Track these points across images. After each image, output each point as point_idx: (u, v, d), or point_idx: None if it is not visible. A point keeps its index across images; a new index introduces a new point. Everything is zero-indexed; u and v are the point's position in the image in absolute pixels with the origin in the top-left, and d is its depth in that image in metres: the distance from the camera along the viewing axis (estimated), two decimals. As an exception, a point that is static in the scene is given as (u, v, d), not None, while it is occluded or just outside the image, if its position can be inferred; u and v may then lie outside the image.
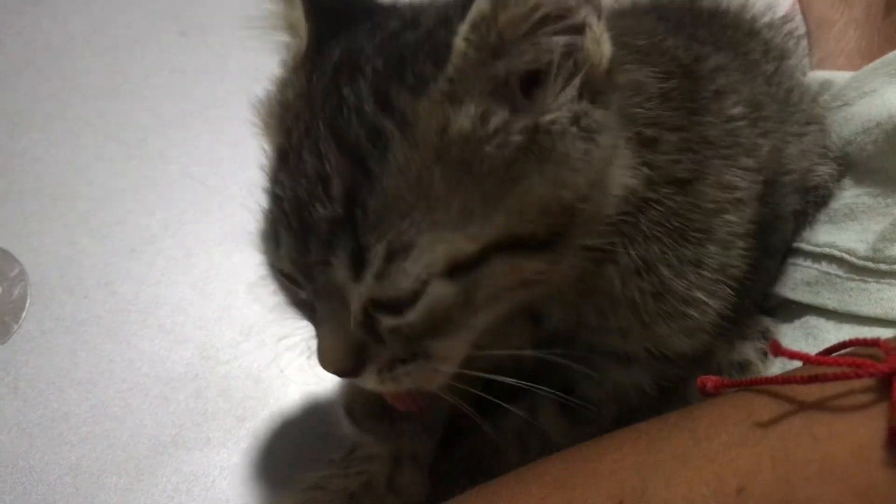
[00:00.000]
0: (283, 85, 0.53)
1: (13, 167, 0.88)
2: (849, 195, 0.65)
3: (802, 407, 0.42)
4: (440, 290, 0.45)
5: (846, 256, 0.60)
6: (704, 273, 0.53)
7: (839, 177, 0.66)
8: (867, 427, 0.39)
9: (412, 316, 0.46)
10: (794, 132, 0.63)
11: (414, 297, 0.45)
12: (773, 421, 0.42)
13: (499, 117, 0.44)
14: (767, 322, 0.65)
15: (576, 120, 0.45)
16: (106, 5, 1.03)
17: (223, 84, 0.96)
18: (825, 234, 0.64)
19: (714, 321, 0.55)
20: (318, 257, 0.45)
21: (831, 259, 0.62)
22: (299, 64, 0.52)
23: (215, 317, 0.78)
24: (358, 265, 0.44)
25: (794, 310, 0.64)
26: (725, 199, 0.53)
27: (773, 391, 0.43)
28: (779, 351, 0.44)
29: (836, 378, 0.41)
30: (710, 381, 0.45)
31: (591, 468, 0.47)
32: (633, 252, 0.51)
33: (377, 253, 0.44)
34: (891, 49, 0.68)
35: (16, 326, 0.77)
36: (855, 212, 0.63)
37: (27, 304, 0.78)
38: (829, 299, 0.61)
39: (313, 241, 0.45)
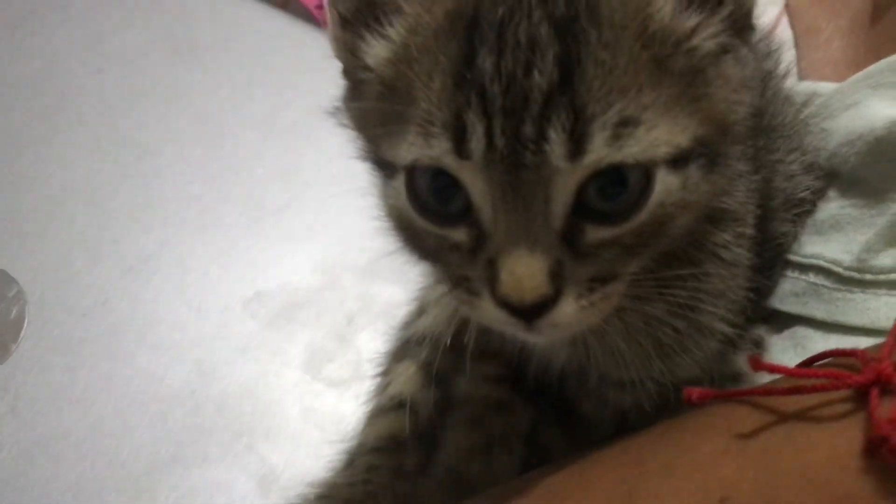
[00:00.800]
0: None
1: (10, 188, 0.89)
2: (834, 206, 0.65)
3: (784, 418, 0.42)
4: (668, 182, 0.42)
5: (832, 267, 0.61)
6: (724, 304, 0.54)
7: (825, 188, 0.67)
8: (845, 437, 0.40)
9: (639, 217, 0.42)
10: (779, 159, 0.64)
11: (641, 193, 0.42)
12: (756, 432, 0.42)
13: (693, 18, 0.44)
14: (761, 331, 0.66)
15: (727, 48, 0.45)
16: (100, 26, 1.03)
17: (217, 102, 0.97)
18: (812, 246, 0.65)
19: (719, 346, 0.56)
20: (532, 134, 0.40)
21: (818, 270, 0.62)
22: None
23: (211, 334, 0.79)
24: (578, 138, 0.40)
25: (783, 320, 0.64)
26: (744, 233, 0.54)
27: (756, 402, 0.44)
28: (758, 365, 0.44)
29: (815, 390, 0.41)
30: (695, 392, 0.45)
31: (580, 480, 0.48)
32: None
33: (607, 121, 0.40)
34: (875, 59, 0.69)
35: (14, 346, 0.77)
36: (840, 223, 0.64)
37: (25, 324, 0.79)
38: (816, 310, 0.61)
39: (527, 116, 0.40)
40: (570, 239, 0.42)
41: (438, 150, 0.41)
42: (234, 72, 1.01)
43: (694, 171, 0.43)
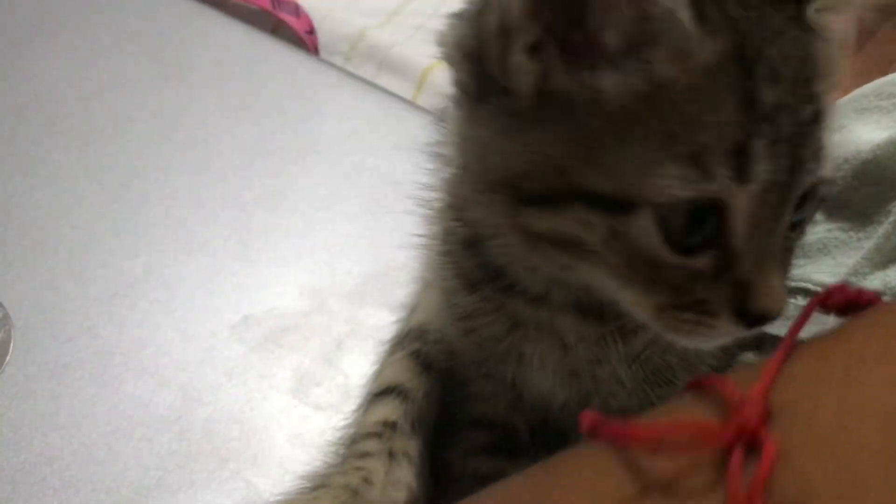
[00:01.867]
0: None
1: (-4, 212, 0.88)
2: (821, 230, 0.66)
3: (645, 487, 0.36)
4: None
5: (820, 290, 0.61)
6: None
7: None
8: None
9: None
10: None
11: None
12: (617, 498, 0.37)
13: None
14: (749, 356, 0.66)
15: None
16: (87, 49, 1.04)
17: (205, 128, 0.97)
18: (800, 269, 0.65)
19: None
20: (806, 157, 0.44)
21: (806, 293, 0.63)
22: None
23: (198, 358, 0.78)
24: (819, 150, 0.45)
25: (773, 344, 0.64)
26: None
27: (628, 457, 0.37)
28: (597, 430, 0.38)
29: (679, 450, 0.36)
30: (588, 418, 0.38)
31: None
32: None
33: (826, 129, 0.46)
34: (863, 83, 0.70)
35: (-2, 371, 0.77)
36: (828, 246, 0.65)
37: (10, 349, 0.78)
38: (805, 333, 0.62)
39: (802, 142, 0.44)
40: (786, 239, 0.46)
41: (719, 181, 0.42)
42: (223, 96, 1.01)
43: None
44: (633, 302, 0.47)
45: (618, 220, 0.43)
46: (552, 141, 0.44)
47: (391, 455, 0.65)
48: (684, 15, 0.42)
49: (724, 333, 0.46)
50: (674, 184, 0.41)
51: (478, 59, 0.46)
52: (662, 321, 0.46)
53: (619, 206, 0.43)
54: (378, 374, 0.73)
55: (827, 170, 0.46)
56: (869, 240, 0.63)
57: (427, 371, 0.71)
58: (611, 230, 0.44)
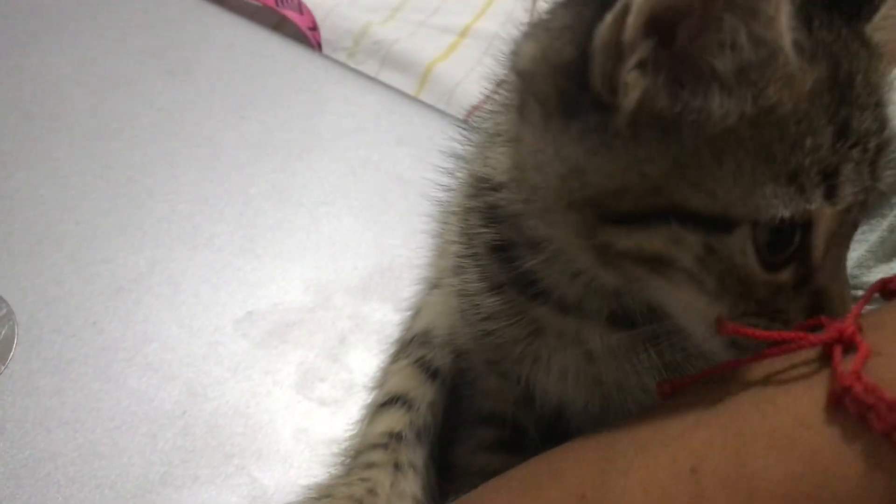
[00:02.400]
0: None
1: (0, 208, 0.88)
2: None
3: (749, 384, 0.45)
4: None
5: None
6: None
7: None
8: (809, 396, 0.42)
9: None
10: None
11: None
12: (723, 401, 0.44)
13: None
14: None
15: None
16: (92, 45, 1.04)
17: (210, 122, 0.97)
18: None
19: None
20: (889, 177, 0.48)
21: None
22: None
23: (202, 353, 0.79)
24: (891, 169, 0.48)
25: None
26: None
27: (724, 376, 0.46)
28: (724, 329, 0.46)
29: (778, 353, 0.44)
30: (667, 384, 0.49)
31: (554, 469, 0.49)
32: None
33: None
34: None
35: (3, 367, 0.77)
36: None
37: (14, 345, 0.78)
38: None
39: (883, 162, 0.47)
40: None
41: (816, 202, 0.44)
42: (227, 92, 1.01)
43: None
44: (704, 315, 0.47)
45: (715, 239, 0.44)
46: (650, 159, 0.43)
47: (397, 466, 0.66)
48: (787, 42, 0.43)
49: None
50: (774, 203, 0.43)
51: (572, 72, 0.45)
52: (721, 333, 0.46)
53: (718, 224, 0.44)
54: (382, 384, 0.73)
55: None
56: (873, 232, 0.62)
57: (432, 379, 0.71)
58: (706, 248, 0.44)
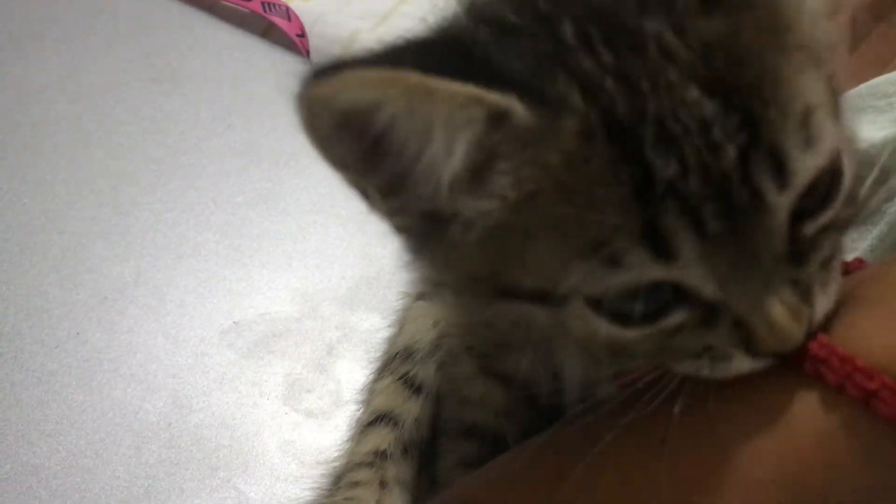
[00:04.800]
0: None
1: (-17, 217, 0.87)
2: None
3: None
4: (848, 135, 0.42)
5: None
6: None
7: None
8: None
9: (845, 184, 0.40)
10: None
11: (837, 163, 0.40)
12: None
13: None
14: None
15: None
16: (77, 53, 1.03)
17: (195, 131, 0.96)
18: None
19: None
20: (746, 198, 0.37)
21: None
22: None
23: (188, 364, 0.78)
24: (782, 170, 0.37)
25: None
26: None
27: None
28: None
29: None
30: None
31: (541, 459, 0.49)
32: None
33: (796, 135, 0.38)
34: (857, 84, 0.69)
35: (-15, 378, 0.76)
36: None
37: (-4, 356, 0.77)
38: None
39: (734, 187, 0.37)
40: (794, 250, 0.40)
41: (636, 270, 0.38)
42: (214, 100, 1.00)
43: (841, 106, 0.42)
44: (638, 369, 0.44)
45: (557, 312, 0.41)
46: (467, 253, 0.42)
47: (382, 484, 0.64)
48: (518, 113, 0.37)
49: (752, 369, 0.42)
50: (587, 281, 0.38)
51: None
52: (685, 368, 0.43)
53: (552, 300, 0.40)
54: (368, 403, 0.72)
55: (822, 154, 0.39)
56: (864, 240, 0.62)
57: (416, 394, 0.70)
58: (557, 322, 0.41)
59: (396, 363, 0.73)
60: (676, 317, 0.40)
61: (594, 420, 0.46)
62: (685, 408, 0.42)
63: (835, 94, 0.42)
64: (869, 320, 0.42)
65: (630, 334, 0.41)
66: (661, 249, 0.38)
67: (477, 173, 0.39)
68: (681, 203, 0.37)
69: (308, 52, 1.13)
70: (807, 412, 0.41)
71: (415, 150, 0.38)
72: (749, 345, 0.41)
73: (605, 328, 0.40)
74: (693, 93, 0.37)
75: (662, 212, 0.37)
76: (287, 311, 0.82)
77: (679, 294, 0.40)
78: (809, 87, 0.39)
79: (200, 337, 0.80)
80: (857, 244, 0.62)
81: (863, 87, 0.68)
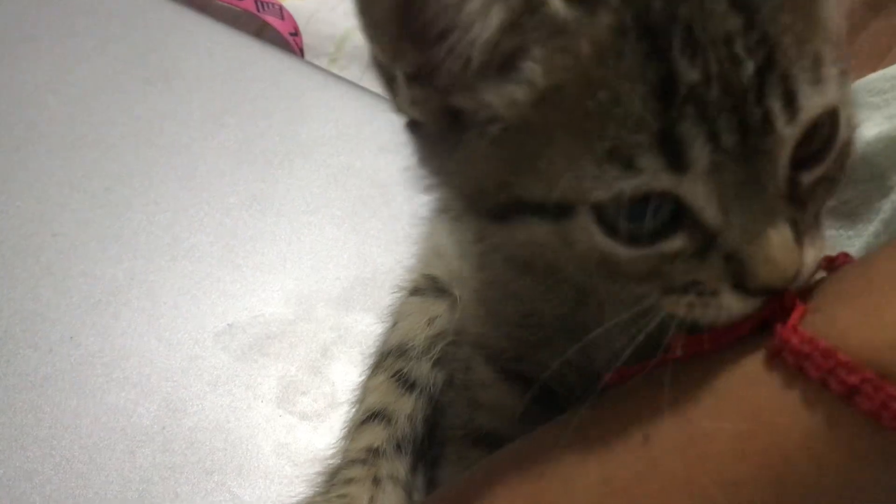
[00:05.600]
0: None
1: (-25, 220, 0.87)
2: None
3: (699, 357, 0.44)
4: (846, 93, 0.43)
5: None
6: None
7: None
8: (753, 354, 0.42)
9: (840, 139, 0.43)
10: None
11: (833, 119, 0.42)
12: (672, 374, 0.43)
13: None
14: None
15: None
16: (69, 54, 1.02)
17: (189, 132, 0.96)
18: None
19: None
20: (759, 118, 0.39)
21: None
22: None
23: (182, 368, 0.77)
24: (792, 101, 0.39)
25: None
26: None
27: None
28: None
29: (728, 341, 0.44)
30: (616, 373, 0.47)
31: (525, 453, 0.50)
32: None
33: (807, 74, 0.40)
34: (855, 78, 0.69)
35: (-22, 383, 0.75)
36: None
37: (-11, 360, 0.77)
38: None
39: (749, 104, 0.39)
40: (792, 194, 0.42)
41: (648, 175, 0.39)
42: (207, 100, 0.99)
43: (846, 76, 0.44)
44: (627, 296, 0.45)
45: (561, 226, 0.42)
46: (483, 158, 0.43)
47: (376, 481, 0.65)
48: (553, 2, 0.39)
49: (738, 309, 0.43)
50: (598, 184, 0.39)
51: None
52: (673, 304, 0.44)
53: (559, 211, 0.42)
54: (361, 401, 0.72)
55: (827, 97, 0.41)
56: (859, 238, 0.62)
57: (409, 391, 0.70)
58: (560, 237, 0.42)
59: (390, 360, 0.73)
60: (674, 242, 0.41)
61: (580, 416, 0.47)
62: (669, 404, 0.43)
63: (840, 61, 0.43)
64: (849, 314, 0.41)
65: (628, 253, 0.42)
66: (675, 157, 0.39)
67: (510, 58, 0.40)
68: (700, 110, 0.38)
69: (301, 51, 1.13)
70: (790, 408, 0.41)
71: (444, 17, 0.39)
72: (738, 279, 0.42)
73: (604, 243, 0.41)
74: (721, 5, 0.39)
75: (681, 117, 0.38)
76: (281, 312, 0.82)
77: (679, 218, 0.41)
78: (821, 43, 0.41)
79: (194, 339, 0.79)
80: (853, 241, 0.62)
81: (858, 83, 0.67)
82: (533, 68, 0.40)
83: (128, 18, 1.08)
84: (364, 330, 0.80)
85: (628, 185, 0.39)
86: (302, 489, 0.69)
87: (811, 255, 0.43)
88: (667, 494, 0.43)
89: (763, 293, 0.42)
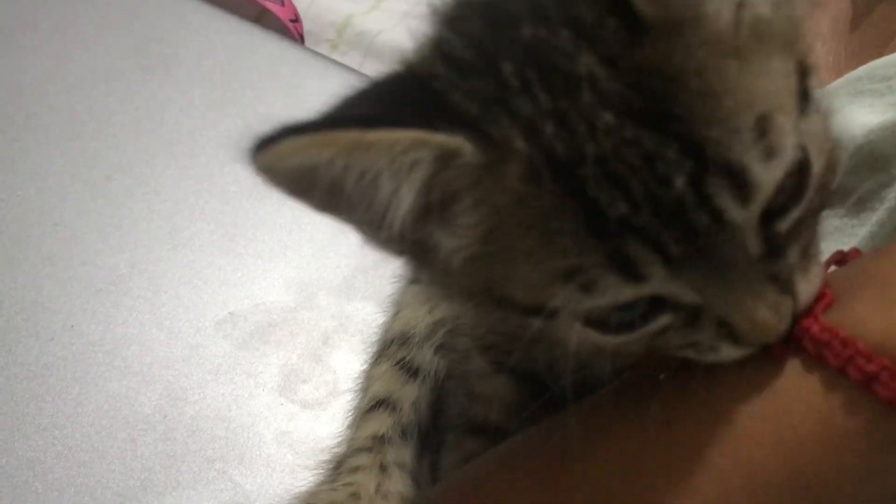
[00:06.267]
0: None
1: (-25, 209, 0.87)
2: (816, 216, 0.65)
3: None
4: (814, 123, 0.41)
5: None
6: None
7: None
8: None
9: (815, 175, 0.40)
10: None
11: (803, 160, 0.39)
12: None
13: None
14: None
15: None
16: (68, 43, 1.02)
17: (189, 120, 0.95)
18: None
19: None
20: (705, 220, 0.37)
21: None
22: None
23: (183, 356, 0.77)
24: (743, 185, 0.37)
25: None
26: None
27: None
28: None
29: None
30: None
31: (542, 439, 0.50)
32: None
33: (752, 147, 0.37)
34: (858, 64, 0.68)
35: (-21, 372, 0.75)
36: (823, 233, 0.63)
37: (-10, 349, 0.77)
38: None
39: (690, 211, 0.37)
40: (769, 248, 0.40)
41: (612, 292, 0.39)
42: (207, 88, 0.99)
43: (812, 90, 0.42)
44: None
45: (552, 324, 0.42)
46: (461, 275, 0.43)
47: (382, 468, 0.65)
48: (466, 152, 0.38)
49: (743, 354, 0.43)
50: (569, 302, 0.39)
51: None
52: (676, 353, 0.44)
53: (541, 313, 0.41)
54: (366, 390, 0.73)
55: (785, 159, 0.38)
56: (863, 227, 0.61)
57: (413, 378, 0.70)
58: (550, 330, 0.42)
59: (393, 349, 0.73)
60: (661, 321, 0.41)
61: (594, 404, 0.48)
62: (684, 392, 0.44)
63: (806, 75, 0.41)
64: (864, 304, 0.43)
65: (618, 340, 0.42)
66: (631, 273, 0.38)
67: (442, 210, 0.40)
68: (639, 234, 0.37)
69: (302, 37, 1.13)
70: (807, 395, 0.42)
71: (366, 199, 0.40)
72: (734, 338, 0.42)
73: (594, 337, 0.42)
74: (630, 130, 0.37)
75: (623, 242, 0.38)
76: (282, 300, 0.81)
77: (661, 303, 0.41)
78: (768, 88, 0.39)
79: (195, 328, 0.79)
80: (857, 230, 0.61)
81: (861, 70, 0.67)
82: (465, 219, 0.40)
83: (126, 6, 1.07)
84: (365, 318, 0.80)
85: (595, 303, 0.39)
86: (304, 477, 0.70)
87: (805, 291, 0.42)
88: (686, 477, 0.44)
89: (762, 345, 0.42)
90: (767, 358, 0.43)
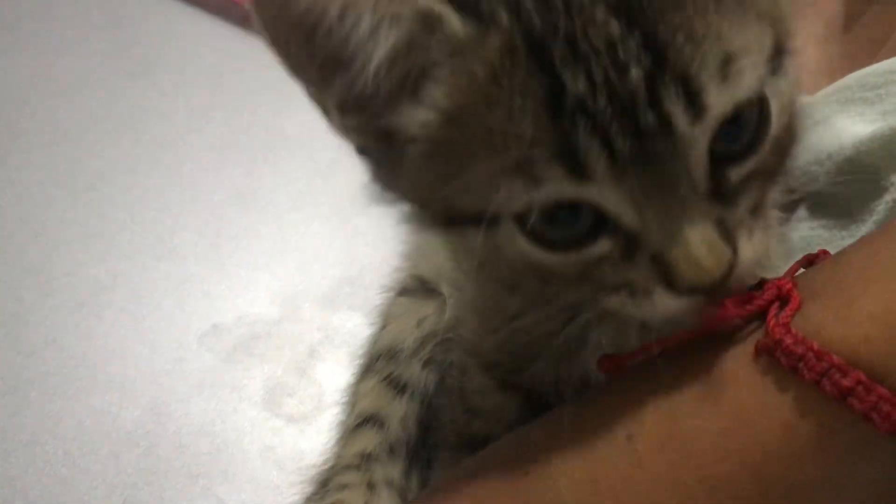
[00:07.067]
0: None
1: (-45, 219, 0.86)
2: (805, 227, 0.64)
3: (684, 353, 0.44)
4: (779, 86, 0.42)
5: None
6: None
7: (795, 206, 0.66)
8: (740, 351, 0.42)
9: (770, 133, 0.41)
10: None
11: (763, 111, 0.41)
12: (657, 369, 0.43)
13: None
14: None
15: None
16: (51, 48, 1.01)
17: (173, 126, 0.94)
18: (786, 267, 0.63)
19: None
20: (653, 121, 0.38)
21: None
22: None
23: (166, 370, 0.76)
24: (695, 100, 0.38)
25: None
26: None
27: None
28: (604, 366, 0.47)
29: (719, 321, 0.43)
30: (607, 360, 0.47)
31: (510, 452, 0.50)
32: None
33: (711, 70, 0.39)
34: (851, 66, 0.68)
35: (-42, 387, 0.75)
36: (812, 245, 0.63)
37: (-31, 365, 0.76)
38: None
39: (641, 108, 0.38)
40: (718, 191, 0.41)
41: (552, 187, 0.39)
42: (191, 94, 0.98)
43: (786, 65, 0.43)
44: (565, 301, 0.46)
45: (492, 235, 0.42)
46: (418, 173, 0.43)
47: (370, 486, 0.65)
48: (451, 21, 0.40)
49: (675, 309, 0.42)
50: (512, 196, 0.40)
51: None
52: (609, 304, 0.44)
53: (489, 221, 0.42)
54: (353, 406, 0.72)
55: (741, 91, 0.39)
56: (853, 238, 0.61)
57: (401, 394, 0.70)
58: (492, 245, 0.43)
59: (381, 363, 0.72)
60: (598, 247, 0.42)
61: (565, 413, 0.48)
62: (645, 406, 0.44)
63: (781, 53, 0.42)
64: (822, 311, 0.41)
65: (554, 259, 0.42)
66: (576, 167, 0.39)
67: (416, 80, 0.41)
68: (591, 120, 0.38)
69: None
70: (772, 406, 0.41)
71: (343, 35, 0.40)
72: (668, 280, 0.41)
73: (530, 250, 0.42)
74: (601, 13, 0.39)
75: (574, 128, 0.38)
76: (267, 312, 0.81)
77: (600, 223, 0.41)
78: (738, 37, 0.40)
79: (179, 341, 0.78)
80: (846, 242, 0.61)
81: (851, 77, 0.66)
82: (435, 90, 0.41)
83: (109, 9, 1.06)
84: (351, 329, 0.79)
85: (537, 195, 0.40)
86: (289, 494, 0.69)
87: (748, 250, 0.42)
88: (651, 493, 0.43)
89: (695, 292, 0.41)
90: (731, 371, 0.42)
